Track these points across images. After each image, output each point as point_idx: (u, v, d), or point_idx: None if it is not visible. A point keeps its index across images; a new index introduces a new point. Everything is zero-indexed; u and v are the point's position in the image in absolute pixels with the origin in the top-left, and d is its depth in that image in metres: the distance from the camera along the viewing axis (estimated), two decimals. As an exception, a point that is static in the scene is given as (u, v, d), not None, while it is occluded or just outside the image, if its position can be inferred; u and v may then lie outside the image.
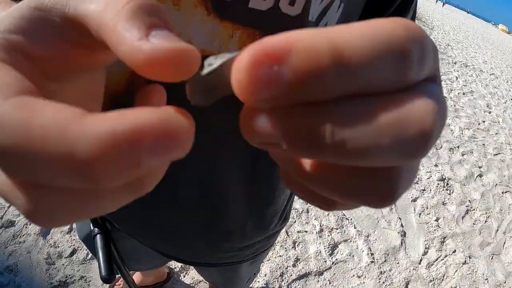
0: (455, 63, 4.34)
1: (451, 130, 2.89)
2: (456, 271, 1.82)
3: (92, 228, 0.62)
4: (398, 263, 1.71)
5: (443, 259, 1.86)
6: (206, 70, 0.12)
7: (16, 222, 1.62)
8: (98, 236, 0.62)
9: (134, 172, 0.10)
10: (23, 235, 1.58)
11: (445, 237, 1.98)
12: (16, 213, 1.65)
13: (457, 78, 3.92)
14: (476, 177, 2.52)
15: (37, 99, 0.10)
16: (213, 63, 0.12)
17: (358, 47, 0.10)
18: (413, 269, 1.72)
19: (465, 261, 1.90)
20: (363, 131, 0.10)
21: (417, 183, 2.21)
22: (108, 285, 1.47)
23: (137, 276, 1.37)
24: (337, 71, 0.09)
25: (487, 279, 1.84)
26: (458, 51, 4.93)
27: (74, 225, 1.61)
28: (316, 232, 1.65)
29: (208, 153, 0.40)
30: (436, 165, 2.41)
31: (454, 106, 3.28)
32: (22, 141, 0.10)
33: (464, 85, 3.84)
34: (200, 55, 0.12)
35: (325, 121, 0.10)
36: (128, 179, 0.10)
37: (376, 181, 0.11)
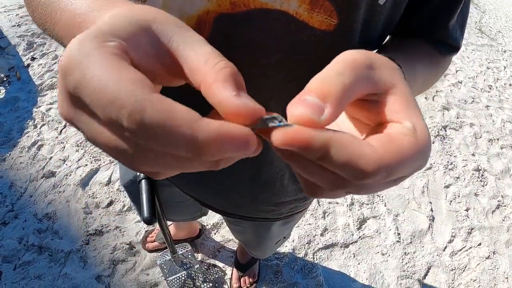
0: (505, 51, 4.02)
1: (493, 121, 2.72)
2: (478, 264, 1.77)
3: (138, 174, 0.65)
4: (423, 246, 1.66)
5: (467, 250, 1.80)
6: (260, 125, 0.19)
7: (56, 172, 1.62)
8: (143, 180, 0.63)
9: (221, 155, 0.17)
10: (63, 185, 1.59)
11: (472, 229, 1.91)
12: (57, 165, 1.66)
13: (505, 67, 3.64)
14: (512, 173, 2.39)
15: (169, 99, 0.16)
16: (269, 122, 0.19)
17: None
18: (437, 255, 1.67)
19: (489, 256, 1.83)
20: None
21: (452, 170, 2.10)
22: (146, 226, 1.49)
23: (170, 230, 1.37)
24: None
25: (507, 278, 1.78)
26: (509, 39, 4.55)
27: (113, 178, 1.62)
28: (347, 205, 1.60)
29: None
30: (473, 154, 2.29)
31: (499, 96, 3.06)
32: (166, 125, 0.15)
33: None
34: (263, 111, 0.19)
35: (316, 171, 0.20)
36: (215, 158, 0.17)
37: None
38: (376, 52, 0.45)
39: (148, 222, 0.60)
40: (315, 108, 0.18)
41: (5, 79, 1.96)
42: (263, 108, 0.19)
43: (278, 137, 0.18)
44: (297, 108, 0.18)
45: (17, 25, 2.29)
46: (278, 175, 0.53)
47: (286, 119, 0.20)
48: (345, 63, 0.21)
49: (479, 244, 1.85)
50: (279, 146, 0.18)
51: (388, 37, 0.52)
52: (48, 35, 0.31)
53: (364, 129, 0.25)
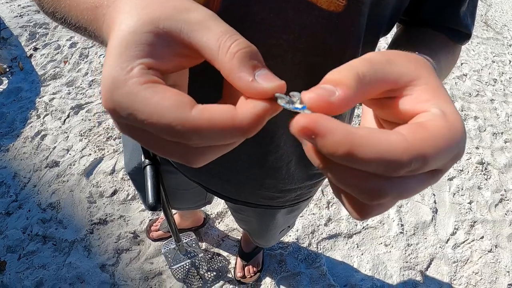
0: (510, 45, 3.99)
1: (497, 115, 2.70)
2: (480, 257, 1.77)
3: (143, 159, 0.64)
4: (426, 238, 1.66)
5: (469, 243, 1.80)
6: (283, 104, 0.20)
7: (60, 162, 1.62)
8: (148, 167, 0.62)
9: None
10: (67, 175, 1.59)
11: (475, 222, 1.91)
12: (61, 154, 1.66)
13: (510, 61, 3.61)
14: (516, 167, 2.37)
15: (205, 110, 0.19)
16: (287, 102, 0.20)
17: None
18: (440, 247, 1.67)
19: (491, 249, 1.83)
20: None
21: (456, 163, 2.10)
22: (151, 211, 1.50)
23: (175, 219, 1.38)
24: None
25: (508, 272, 1.78)
26: (513, 34, 4.50)
27: (116, 167, 1.62)
28: (351, 195, 1.59)
29: None
30: (477, 148, 2.28)
31: (504, 90, 3.04)
32: (210, 133, 0.19)
33: (516, 70, 3.55)
34: (284, 87, 0.20)
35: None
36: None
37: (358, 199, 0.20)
38: (398, 47, 0.45)
39: (153, 208, 0.59)
40: (326, 90, 0.19)
41: (7, 69, 1.96)
42: (281, 85, 0.20)
43: (295, 123, 0.18)
44: (307, 93, 0.19)
45: (19, 16, 2.28)
46: (284, 162, 0.52)
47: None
48: (360, 59, 0.21)
49: (482, 237, 1.85)
50: (296, 134, 0.18)
51: (399, 28, 0.51)
52: (60, 23, 0.32)
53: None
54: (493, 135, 2.46)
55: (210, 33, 0.20)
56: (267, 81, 0.19)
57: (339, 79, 0.19)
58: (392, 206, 0.22)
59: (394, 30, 0.53)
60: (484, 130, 2.47)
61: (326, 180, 1.73)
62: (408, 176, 0.19)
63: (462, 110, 2.50)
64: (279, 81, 0.20)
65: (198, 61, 0.22)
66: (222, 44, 0.20)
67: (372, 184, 0.18)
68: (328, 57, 0.38)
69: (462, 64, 3.02)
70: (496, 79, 3.09)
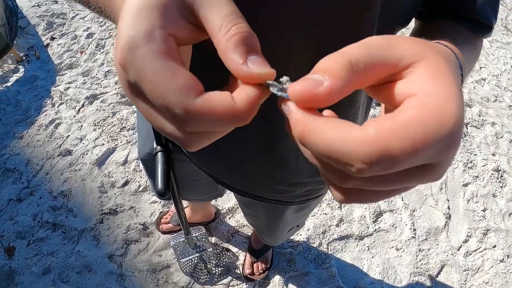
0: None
1: (515, 122, 2.64)
2: (491, 266, 1.72)
3: (155, 146, 0.64)
4: (438, 244, 1.63)
5: (481, 252, 1.76)
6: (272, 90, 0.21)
7: (73, 151, 1.63)
8: (160, 153, 0.62)
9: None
10: (79, 164, 1.59)
11: (488, 230, 1.86)
12: (74, 143, 1.67)
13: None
14: (532, 176, 2.31)
15: (207, 99, 0.19)
16: (279, 90, 0.20)
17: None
18: (451, 254, 1.64)
19: (503, 259, 1.79)
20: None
21: (471, 169, 2.05)
22: (161, 201, 1.50)
23: (186, 213, 1.38)
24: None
25: (520, 282, 1.74)
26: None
27: (129, 158, 1.63)
28: (363, 197, 1.57)
29: None
30: (493, 154, 2.22)
31: (521, 96, 2.98)
32: (205, 120, 0.19)
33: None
34: (274, 75, 0.20)
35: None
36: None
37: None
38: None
39: (162, 194, 0.59)
40: (312, 81, 0.18)
41: (24, 58, 1.98)
42: (270, 72, 0.20)
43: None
44: (293, 85, 0.19)
45: (37, 5, 2.30)
46: (292, 152, 0.52)
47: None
48: (356, 43, 0.20)
49: (494, 247, 1.80)
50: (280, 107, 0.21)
51: (417, 24, 0.50)
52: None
53: None
54: (510, 142, 2.40)
55: (218, 11, 0.21)
56: (257, 66, 0.20)
57: (328, 68, 0.18)
58: (384, 198, 0.22)
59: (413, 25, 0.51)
60: (502, 137, 2.40)
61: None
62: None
63: (480, 115, 2.44)
64: (269, 67, 0.20)
65: (202, 36, 0.22)
66: (224, 24, 0.20)
67: (338, 172, 0.19)
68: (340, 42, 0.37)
69: (481, 68, 2.95)
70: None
